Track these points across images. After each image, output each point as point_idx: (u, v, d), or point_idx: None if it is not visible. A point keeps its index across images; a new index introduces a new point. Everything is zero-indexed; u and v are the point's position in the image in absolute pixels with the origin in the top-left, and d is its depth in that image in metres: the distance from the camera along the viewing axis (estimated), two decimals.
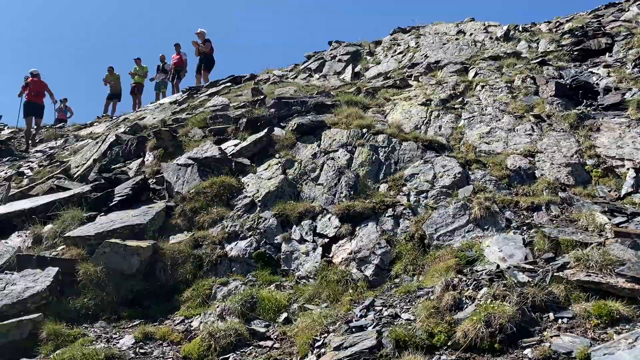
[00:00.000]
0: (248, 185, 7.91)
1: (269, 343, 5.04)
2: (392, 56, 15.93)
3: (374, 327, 4.55)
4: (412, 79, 12.54)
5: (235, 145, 9.24)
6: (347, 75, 15.10)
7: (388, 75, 13.44)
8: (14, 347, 5.21)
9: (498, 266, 5.04)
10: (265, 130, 9.01)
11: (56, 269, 6.16)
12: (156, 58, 26.09)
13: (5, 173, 15.33)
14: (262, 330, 5.26)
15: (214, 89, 19.06)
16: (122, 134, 11.64)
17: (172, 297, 6.32)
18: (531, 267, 4.75)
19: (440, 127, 8.72)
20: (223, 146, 9.26)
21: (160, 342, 5.32)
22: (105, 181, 8.68)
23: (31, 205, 7.81)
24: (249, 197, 7.56)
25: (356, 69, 15.64)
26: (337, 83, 14.35)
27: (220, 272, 6.55)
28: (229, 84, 18.84)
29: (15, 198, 9.68)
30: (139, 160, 10.34)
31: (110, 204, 7.81)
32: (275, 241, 6.83)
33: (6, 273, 6.13)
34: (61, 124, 27.13)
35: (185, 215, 7.51)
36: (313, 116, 9.18)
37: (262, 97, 11.76)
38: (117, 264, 6.37)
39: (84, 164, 11.28)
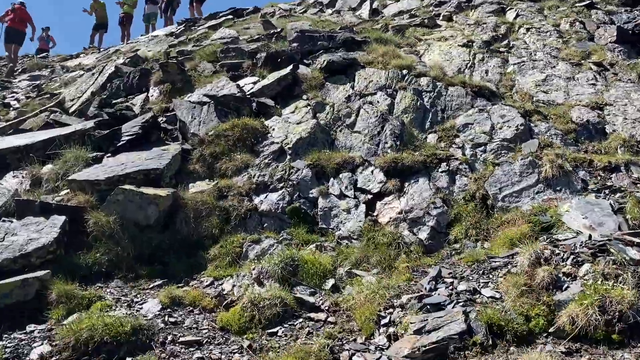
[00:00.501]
0: (273, 129, 7.03)
1: (322, 316, 4.32)
2: None
3: (453, 306, 3.84)
4: (441, 18, 11.49)
5: (254, 82, 8.27)
6: (365, 11, 13.92)
7: (413, 14, 12.35)
8: (18, 309, 4.44)
9: (590, 236, 4.32)
10: (290, 67, 8.04)
11: (63, 217, 5.32)
12: None
13: None
14: (310, 299, 4.53)
15: (213, 22, 17.74)
16: (122, 65, 10.52)
17: (196, 253, 5.55)
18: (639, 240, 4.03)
19: (486, 71, 7.84)
20: (240, 83, 8.29)
21: (191, 308, 4.57)
22: (109, 117, 7.71)
23: (27, 142, 6.86)
24: (277, 143, 6.70)
25: (374, 5, 14.43)
26: (354, 20, 13.21)
27: (250, 227, 5.77)
28: (230, 16, 17.53)
29: (5, 132, 8.70)
30: (143, 95, 9.33)
31: (118, 144, 6.89)
32: (311, 195, 6.04)
33: (4, 220, 5.27)
34: (44, 54, 25.61)
35: (205, 160, 6.65)
36: (343, 53, 8.19)
37: (277, 30, 10.67)
38: (133, 214, 5.55)
39: (79, 97, 10.24)
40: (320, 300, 4.56)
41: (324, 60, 7.99)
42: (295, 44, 8.88)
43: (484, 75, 7.70)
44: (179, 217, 5.73)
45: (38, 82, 16.96)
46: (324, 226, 5.72)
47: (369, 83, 7.46)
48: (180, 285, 5.05)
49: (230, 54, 9.74)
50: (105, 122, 7.58)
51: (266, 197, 6.04)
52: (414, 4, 13.58)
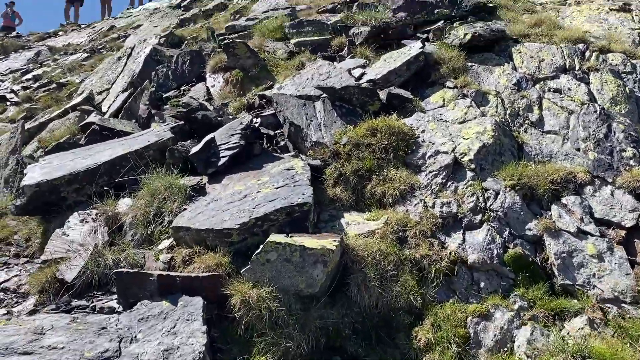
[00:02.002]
0: (423, 131, 5.11)
1: None
2: None
3: None
4: None
5: (362, 66, 6.29)
6: None
7: None
8: None
9: None
10: (417, 44, 6.06)
11: (198, 300, 3.35)
12: None
13: None
14: None
15: None
16: (160, 46, 8.33)
17: (393, 337, 3.67)
18: None
19: None
20: (340, 66, 6.30)
21: None
22: (184, 121, 5.66)
23: (87, 165, 4.77)
24: (444, 152, 4.79)
25: None
26: None
27: (459, 288, 3.89)
28: None
29: (26, 141, 6.57)
30: (200, 86, 7.27)
31: (218, 162, 4.87)
32: (529, 232, 4.18)
33: (107, 313, 3.27)
34: (13, 32, 22.89)
35: (348, 182, 4.70)
36: (484, 24, 6.23)
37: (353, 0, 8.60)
38: (291, 280, 3.62)
39: (108, 88, 8.05)
40: None
41: (465, 34, 6.02)
42: (402, 14, 6.86)
43: None
44: (353, 280, 3.80)
45: (25, 67, 14.54)
46: (567, 282, 3.88)
47: (540, 63, 5.56)
48: None
49: (304, 29, 7.68)
50: (180, 128, 5.53)
51: (464, 238, 4.16)
52: None
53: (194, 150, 4.91)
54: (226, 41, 7.23)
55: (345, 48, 6.87)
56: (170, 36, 8.84)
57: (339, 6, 8.18)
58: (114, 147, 5.13)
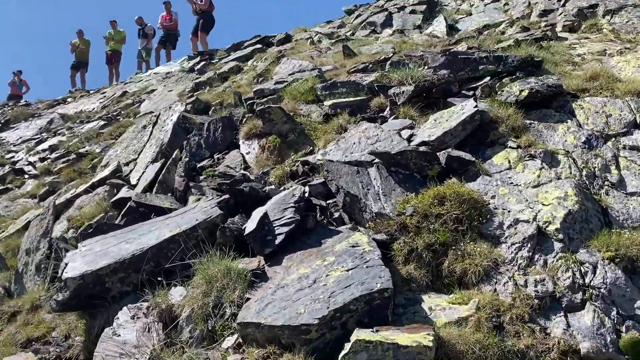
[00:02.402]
0: (494, 197, 4.70)
1: None
2: (486, 5, 12.72)
3: None
4: (561, 29, 9.45)
5: (410, 127, 5.96)
6: (439, 29, 11.77)
7: (516, 26, 10.27)
8: None
9: None
10: (470, 103, 5.74)
11: None
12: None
13: None
14: None
15: (240, 53, 15.49)
16: (187, 113, 8.05)
17: None
18: None
19: None
20: (387, 128, 5.97)
21: None
22: (229, 194, 5.26)
23: (133, 250, 4.33)
24: (525, 221, 4.36)
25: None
26: (430, 39, 11.08)
27: None
28: (258, 45, 15.31)
29: (55, 217, 6.15)
30: (235, 153, 6.93)
31: (275, 241, 4.43)
32: (639, 311, 3.70)
33: None
34: (21, 100, 23.03)
35: (420, 258, 4.25)
36: (538, 80, 5.92)
37: (387, 56, 8.41)
38: None
39: (134, 159, 7.72)
40: None
41: (520, 90, 5.71)
42: (444, 72, 6.59)
43: None
44: None
45: (38, 136, 14.36)
46: None
47: (608, 118, 5.22)
48: None
49: (338, 90, 7.42)
50: (226, 203, 5.13)
51: (568, 322, 3.67)
52: (497, 17, 11.55)
53: (248, 229, 4.47)
54: (261, 106, 6.92)
55: (387, 109, 6.56)
56: (196, 102, 8.59)
57: (370, 66, 7.95)
58: (158, 227, 4.71)
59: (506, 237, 4.32)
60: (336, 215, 5.02)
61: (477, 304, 3.76)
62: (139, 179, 7.01)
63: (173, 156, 6.98)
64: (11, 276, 5.32)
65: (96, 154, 9.38)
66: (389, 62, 7.88)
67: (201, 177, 6.46)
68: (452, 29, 11.76)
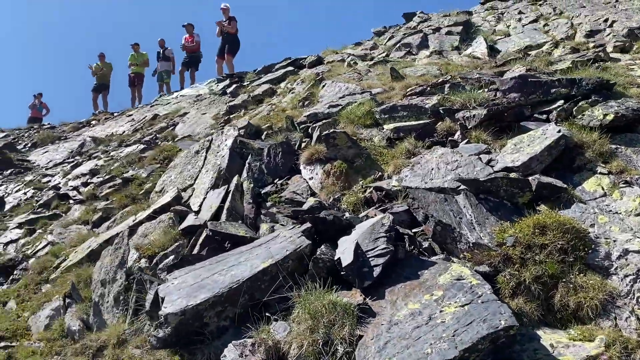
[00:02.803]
0: (593, 225, 4.54)
1: None
2: (524, 25, 12.67)
3: None
4: (612, 49, 9.36)
5: (487, 152, 5.82)
6: (479, 49, 11.71)
7: (562, 47, 10.18)
8: None
9: None
10: (549, 128, 5.61)
11: None
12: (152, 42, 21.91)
13: (25, 193, 11.42)
14: None
15: (271, 75, 15.52)
16: (243, 138, 7.97)
17: None
18: None
19: None
20: (467, 154, 5.84)
21: None
22: (310, 222, 5.12)
23: (227, 283, 4.19)
24: (636, 251, 4.19)
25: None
26: (470, 61, 11.01)
27: None
28: (289, 68, 15.33)
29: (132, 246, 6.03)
30: (297, 179, 6.82)
31: (374, 273, 4.28)
32: None
33: None
34: (44, 123, 23.17)
35: (529, 291, 4.08)
36: (619, 103, 5.79)
37: (445, 78, 8.33)
38: None
39: (191, 184, 7.62)
40: None
41: (604, 115, 5.58)
42: (514, 95, 6.49)
43: None
44: None
45: (72, 159, 14.35)
46: None
47: None
48: None
49: (398, 114, 7.32)
50: (309, 232, 4.98)
51: None
52: (538, 38, 11.48)
53: (345, 260, 4.32)
54: (323, 131, 6.81)
55: (457, 133, 6.43)
56: (248, 127, 8.50)
57: (428, 89, 7.84)
58: (247, 258, 4.57)
59: (617, 269, 4.15)
60: (425, 244, 4.86)
61: (604, 341, 3.58)
62: (200, 205, 6.89)
63: (234, 182, 6.86)
64: (87, 308, 5.18)
65: (143, 179, 9.30)
66: (447, 85, 7.76)
67: (267, 204, 6.33)
68: (492, 49, 11.68)
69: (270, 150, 7.20)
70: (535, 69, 7.98)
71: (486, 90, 7.46)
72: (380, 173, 6.30)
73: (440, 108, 6.95)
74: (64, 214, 9.09)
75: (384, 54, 13.67)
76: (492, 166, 5.48)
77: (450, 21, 13.83)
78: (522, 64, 8.89)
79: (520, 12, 13.43)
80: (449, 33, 13.22)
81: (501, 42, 12.22)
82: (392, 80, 9.42)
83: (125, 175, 9.84)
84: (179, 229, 6.05)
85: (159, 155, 10.37)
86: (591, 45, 9.84)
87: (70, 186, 10.40)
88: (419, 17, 15.59)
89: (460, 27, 13.26)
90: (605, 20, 10.43)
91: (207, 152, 8.17)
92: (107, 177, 10.21)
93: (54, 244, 7.59)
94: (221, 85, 17.22)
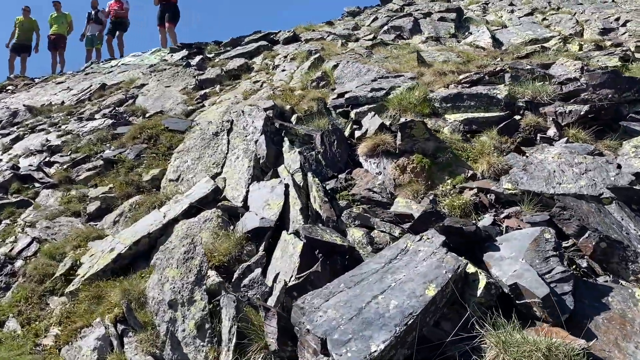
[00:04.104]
0: None
1: None
2: (520, 17, 12.36)
3: None
4: (634, 49, 9.19)
5: (600, 154, 5.21)
6: (483, 38, 11.23)
7: (575, 43, 9.90)
8: None
9: None
10: None
11: None
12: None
13: None
14: None
15: (240, 49, 14.22)
16: (266, 122, 6.81)
17: None
18: None
19: None
20: (553, 151, 5.20)
21: None
22: (442, 233, 4.20)
23: (400, 316, 3.19)
24: None
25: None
26: (482, 50, 10.56)
27: None
28: (262, 42, 14.11)
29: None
30: (360, 173, 5.87)
31: (566, 303, 3.49)
32: None
33: None
34: None
35: None
36: None
37: (499, 67, 7.66)
38: None
39: (217, 173, 6.43)
40: None
41: None
42: (607, 91, 5.93)
43: None
44: None
45: (6, 131, 12.23)
46: None
47: None
48: None
49: (463, 103, 6.56)
50: (449, 246, 4.08)
51: None
52: (541, 32, 11.19)
53: (535, 288, 3.47)
54: (401, 120, 5.86)
55: (551, 130, 5.77)
56: (274, 107, 7.33)
57: (486, 77, 7.12)
58: (394, 279, 3.59)
59: None
60: (584, 264, 4.13)
61: None
62: (244, 200, 5.71)
63: (285, 173, 5.76)
64: (154, 339, 3.92)
65: (132, 162, 7.82)
66: (508, 74, 7.09)
67: (341, 203, 5.31)
68: (493, 39, 11.23)
69: (324, 137, 6.14)
70: (587, 65, 7.52)
71: (546, 82, 6.90)
72: (470, 171, 5.49)
73: (521, 100, 6.25)
74: (33, 201, 7.42)
75: (370, 36, 12.81)
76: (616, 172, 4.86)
77: (441, 7, 13.23)
78: (542, 58, 8.48)
79: (511, 4, 13.11)
80: (442, 19, 12.62)
81: (498, 32, 11.80)
82: (419, 65, 8.61)
83: (104, 155, 8.25)
84: (244, 231, 4.88)
85: (140, 134, 8.85)
86: (608, 43, 9.61)
87: (30, 166, 8.59)
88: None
89: (454, 14, 12.70)
90: (617, 19, 10.28)
91: (228, 134, 6.92)
92: (79, 156, 8.55)
93: (41, 240, 6.04)
94: (177, 55, 15.56)
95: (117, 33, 18.58)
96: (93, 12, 19.51)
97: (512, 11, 12.70)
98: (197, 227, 5.20)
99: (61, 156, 9.02)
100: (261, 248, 4.78)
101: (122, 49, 18.69)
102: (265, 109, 7.16)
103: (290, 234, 4.59)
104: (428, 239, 4.13)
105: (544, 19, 11.83)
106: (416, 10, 13.29)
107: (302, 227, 4.48)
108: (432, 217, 4.50)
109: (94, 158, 8.37)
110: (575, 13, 11.32)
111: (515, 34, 11.36)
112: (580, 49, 9.56)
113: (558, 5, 12.19)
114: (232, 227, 5.13)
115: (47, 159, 9.03)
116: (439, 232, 4.17)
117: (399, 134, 5.77)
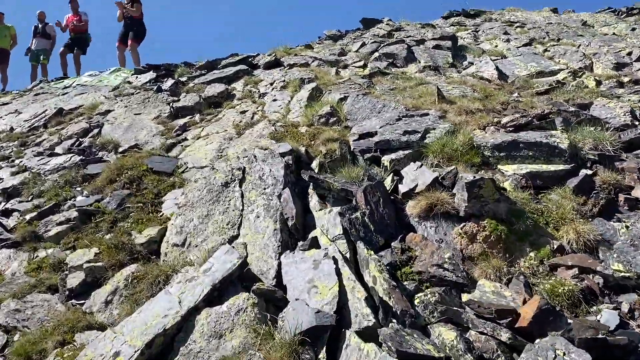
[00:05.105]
0: None
1: None
2: (518, 47, 11.80)
3: None
4: None
5: None
6: (487, 69, 10.54)
7: (590, 78, 9.34)
8: None
9: None
10: None
11: None
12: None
13: None
14: None
15: (218, 73, 13.10)
16: (289, 168, 5.71)
17: None
18: None
19: None
20: None
21: None
22: (588, 347, 3.22)
23: None
24: None
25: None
26: (485, 83, 9.86)
27: None
28: (241, 66, 12.99)
29: None
30: (414, 239, 4.89)
31: None
32: None
33: None
34: None
35: None
36: None
37: (550, 110, 6.86)
38: None
39: (234, 236, 5.30)
40: None
41: None
42: None
43: None
44: None
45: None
46: None
47: None
48: None
49: (519, 153, 5.71)
50: None
51: None
52: (545, 64, 10.64)
53: None
54: (468, 179, 4.88)
55: (637, 190, 4.94)
56: (291, 152, 6.22)
57: (535, 121, 6.28)
58: None
59: None
60: None
61: None
62: (276, 278, 4.57)
63: (326, 243, 4.67)
64: None
65: (114, 213, 6.51)
66: (558, 118, 6.28)
67: (405, 284, 4.27)
68: (497, 71, 10.58)
69: (367, 194, 5.09)
70: (632, 110, 6.84)
71: (599, 128, 6.16)
72: (555, 242, 4.57)
73: (591, 153, 5.43)
74: None
75: (360, 62, 11.91)
76: None
77: (434, 34, 12.52)
78: (563, 95, 7.86)
79: (505, 33, 12.56)
80: (437, 47, 11.88)
81: (499, 63, 11.17)
82: (439, 101, 7.74)
83: (77, 204, 6.88)
84: (296, 331, 3.73)
85: (119, 175, 7.54)
86: (625, 79, 9.09)
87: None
88: (387, 24, 14.10)
89: (449, 42, 12.00)
90: (629, 54, 9.80)
91: (240, 185, 5.76)
92: (44, 203, 7.13)
93: (9, 329, 4.67)
94: (143, 78, 14.14)
95: (75, 50, 16.93)
96: (40, 26, 17.80)
97: (508, 40, 12.14)
98: (228, 322, 4.01)
99: (20, 202, 7.55)
100: (321, 356, 3.65)
101: (79, 68, 17.03)
102: (282, 154, 6.04)
103: (368, 342, 3.47)
104: (570, 350, 3.13)
105: (545, 50, 11.29)
106: (408, 37, 12.51)
107: (386, 333, 3.39)
108: (549, 317, 3.52)
109: (63, 206, 6.97)
110: (580, 45, 10.82)
111: (517, 65, 10.76)
112: (598, 85, 8.99)
113: (557, 37, 11.71)
114: (272, 323, 3.97)
115: (3, 206, 7.53)
116: (576, 345, 3.18)
117: (460, 193, 4.80)
